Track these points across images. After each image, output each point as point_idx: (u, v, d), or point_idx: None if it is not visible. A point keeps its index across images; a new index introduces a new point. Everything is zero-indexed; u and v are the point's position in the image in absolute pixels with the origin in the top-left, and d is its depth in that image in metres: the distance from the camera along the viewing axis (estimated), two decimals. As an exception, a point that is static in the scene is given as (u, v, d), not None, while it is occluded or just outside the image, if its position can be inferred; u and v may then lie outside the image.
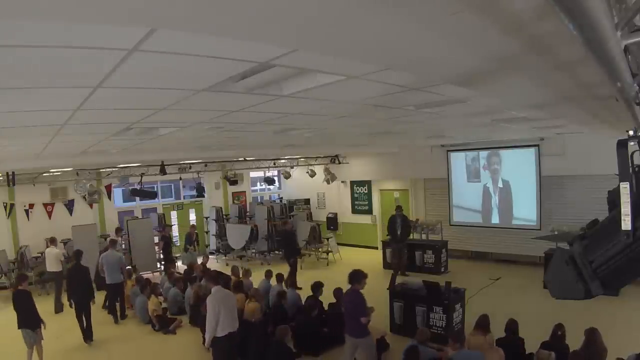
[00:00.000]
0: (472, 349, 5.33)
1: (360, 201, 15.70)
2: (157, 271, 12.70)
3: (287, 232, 11.57)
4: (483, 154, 12.18)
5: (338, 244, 14.57)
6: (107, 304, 9.43)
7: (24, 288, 7.01)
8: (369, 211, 15.38)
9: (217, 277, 6.40)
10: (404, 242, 11.67)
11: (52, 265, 10.04)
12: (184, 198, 15.74)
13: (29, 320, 6.81)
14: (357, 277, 5.76)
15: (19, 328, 6.82)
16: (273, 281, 9.09)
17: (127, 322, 9.16)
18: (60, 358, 7.45)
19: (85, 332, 8.07)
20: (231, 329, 5.63)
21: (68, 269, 9.01)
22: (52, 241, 10.28)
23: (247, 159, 13.44)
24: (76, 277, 8.14)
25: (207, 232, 15.47)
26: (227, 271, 9.67)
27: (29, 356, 6.88)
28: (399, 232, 11.60)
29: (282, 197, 17.67)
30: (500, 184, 11.95)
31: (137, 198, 12.89)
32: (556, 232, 10.06)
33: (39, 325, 6.89)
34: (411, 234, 12.21)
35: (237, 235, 14.09)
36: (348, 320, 5.86)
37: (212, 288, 5.81)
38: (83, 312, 8.03)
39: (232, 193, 16.34)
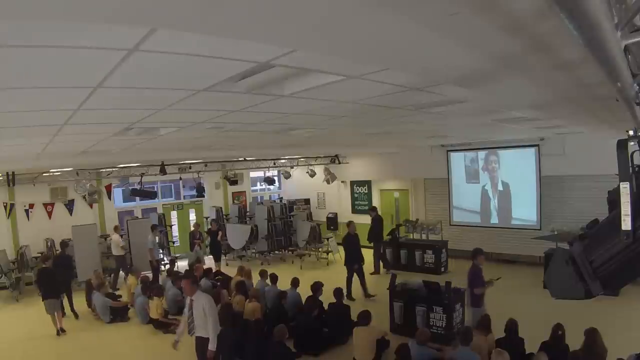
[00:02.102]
0: (473, 349, 5.33)
1: (360, 201, 15.68)
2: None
3: (350, 236, 10.50)
4: (482, 154, 12.17)
5: (338, 244, 14.54)
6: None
7: (48, 266, 8.58)
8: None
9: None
10: (376, 242, 12.23)
11: (115, 250, 11.65)
12: (184, 198, 15.72)
13: (53, 291, 8.31)
14: (477, 252, 7.34)
15: (43, 300, 8.26)
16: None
17: (127, 322, 9.15)
18: (61, 356, 7.47)
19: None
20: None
21: (54, 257, 10.12)
22: (115, 229, 11.85)
23: (247, 159, 13.42)
24: (61, 263, 9.39)
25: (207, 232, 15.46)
26: (227, 271, 9.67)
27: (53, 320, 8.27)
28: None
29: (282, 197, 17.65)
30: (500, 187, 11.94)
31: (137, 198, 12.89)
32: (556, 232, 10.05)
33: (60, 294, 8.49)
34: (383, 235, 12.56)
35: (237, 235, 14.07)
36: (469, 290, 6.94)
37: (203, 295, 5.63)
38: (65, 291, 9.21)
39: (232, 193, 16.33)
